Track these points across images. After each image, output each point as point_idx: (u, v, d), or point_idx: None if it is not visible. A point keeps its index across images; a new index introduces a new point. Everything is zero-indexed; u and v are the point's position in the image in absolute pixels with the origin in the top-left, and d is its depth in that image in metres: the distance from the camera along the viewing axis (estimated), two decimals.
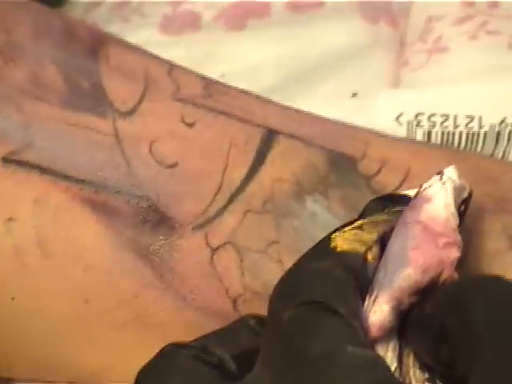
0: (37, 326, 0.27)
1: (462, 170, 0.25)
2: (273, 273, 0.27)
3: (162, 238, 0.27)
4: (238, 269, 0.28)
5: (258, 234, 0.28)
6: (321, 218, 0.28)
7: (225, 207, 0.28)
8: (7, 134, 0.27)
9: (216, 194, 0.28)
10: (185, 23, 0.51)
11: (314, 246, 0.24)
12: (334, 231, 0.24)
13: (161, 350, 0.23)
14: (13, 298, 0.27)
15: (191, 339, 0.26)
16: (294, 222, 0.28)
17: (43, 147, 0.28)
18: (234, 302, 0.27)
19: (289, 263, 0.27)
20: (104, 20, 0.52)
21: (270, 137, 0.29)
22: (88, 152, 0.28)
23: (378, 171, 0.29)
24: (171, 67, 0.31)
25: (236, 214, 0.28)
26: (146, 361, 0.27)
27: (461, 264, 0.23)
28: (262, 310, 0.26)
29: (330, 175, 0.29)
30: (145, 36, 0.51)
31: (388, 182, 0.29)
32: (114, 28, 0.50)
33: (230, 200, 0.28)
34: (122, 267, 0.27)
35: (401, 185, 0.29)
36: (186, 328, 0.27)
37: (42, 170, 0.27)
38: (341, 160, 0.29)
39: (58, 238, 0.27)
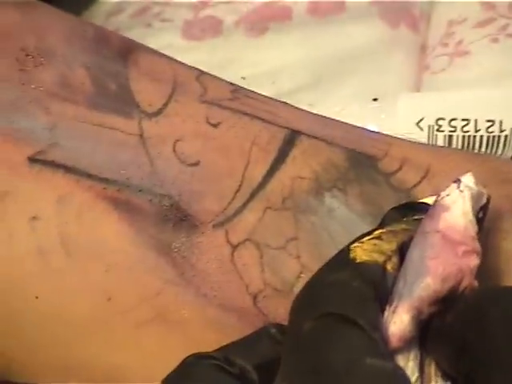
0: (59, 325, 0.28)
1: (481, 172, 0.25)
2: (292, 269, 0.28)
3: (183, 235, 0.28)
4: (258, 265, 0.28)
5: (277, 230, 0.28)
6: (338, 213, 0.28)
7: (245, 205, 0.28)
8: (34, 135, 0.28)
9: (237, 192, 0.28)
10: (206, 28, 0.52)
11: (334, 257, 0.24)
12: (353, 242, 0.24)
13: (183, 361, 0.24)
14: (37, 297, 0.27)
15: (210, 339, 0.27)
16: (312, 218, 0.28)
17: (68, 147, 0.28)
18: (255, 298, 0.28)
19: (307, 259, 0.27)
20: (126, 25, 0.53)
21: (292, 137, 0.29)
22: (112, 151, 0.28)
23: (399, 169, 0.29)
24: (200, 73, 0.31)
25: (256, 211, 0.28)
26: (167, 360, 0.27)
27: (479, 266, 0.23)
28: (282, 306, 0.27)
29: (349, 172, 0.29)
30: (166, 41, 0.51)
31: (407, 179, 0.29)
32: (135, 33, 0.51)
33: (251, 197, 0.28)
34: (143, 265, 0.27)
35: (420, 182, 0.29)
36: (206, 325, 0.28)
37: (67, 169, 0.28)
38: (361, 158, 0.29)
39: (80, 237, 0.27)
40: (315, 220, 0.28)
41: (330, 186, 0.29)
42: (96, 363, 0.29)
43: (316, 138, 0.29)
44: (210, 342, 0.27)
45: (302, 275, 0.28)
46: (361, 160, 0.29)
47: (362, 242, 0.24)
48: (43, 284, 0.27)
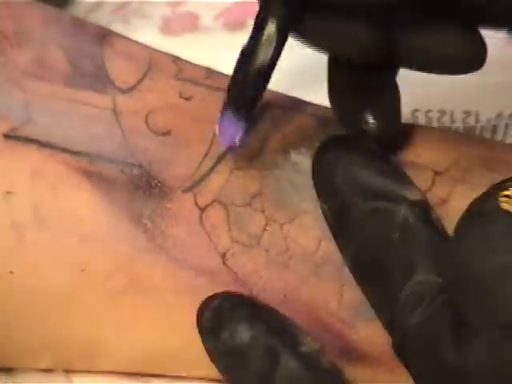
0: (34, 300, 0.28)
1: None
2: (257, 223, 0.28)
3: (153, 202, 0.28)
4: (225, 224, 0.28)
5: (242, 188, 0.29)
6: (302, 167, 0.29)
7: (212, 168, 0.29)
8: (9, 112, 0.28)
9: (205, 156, 0.29)
10: (184, 24, 0.52)
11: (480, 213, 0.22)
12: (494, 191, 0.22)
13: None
14: (11, 272, 0.27)
15: (185, 303, 0.27)
16: (276, 173, 0.29)
17: (43, 123, 0.28)
18: (223, 256, 0.28)
19: (272, 211, 0.28)
20: (105, 21, 0.53)
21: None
22: (85, 125, 0.29)
23: None
24: (176, 58, 0.32)
25: (223, 173, 0.29)
26: (142, 329, 0.28)
27: None
28: (250, 261, 0.28)
29: (318, 131, 0.29)
30: (145, 37, 0.51)
31: None
32: (114, 29, 0.51)
33: (218, 161, 0.29)
34: (116, 234, 0.28)
35: None
36: (179, 290, 0.28)
37: (41, 144, 0.28)
38: (332, 121, 0.29)
39: (54, 210, 0.28)
40: (279, 174, 0.29)
41: (297, 145, 0.29)
42: (72, 338, 0.29)
43: (284, 107, 0.30)
44: (184, 306, 0.27)
45: (267, 228, 0.28)
46: (330, 121, 0.29)
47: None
48: (18, 259, 0.28)
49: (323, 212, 0.26)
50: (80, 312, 0.28)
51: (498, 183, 0.23)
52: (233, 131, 0.27)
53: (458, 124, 0.45)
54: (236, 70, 0.27)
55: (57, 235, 0.28)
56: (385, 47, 0.26)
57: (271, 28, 0.26)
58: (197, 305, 0.26)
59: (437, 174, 0.28)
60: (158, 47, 0.34)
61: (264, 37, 0.26)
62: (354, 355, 0.28)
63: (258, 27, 0.26)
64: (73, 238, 0.28)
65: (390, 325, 0.24)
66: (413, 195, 0.25)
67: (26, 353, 0.30)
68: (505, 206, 0.22)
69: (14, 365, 0.31)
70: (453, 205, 0.27)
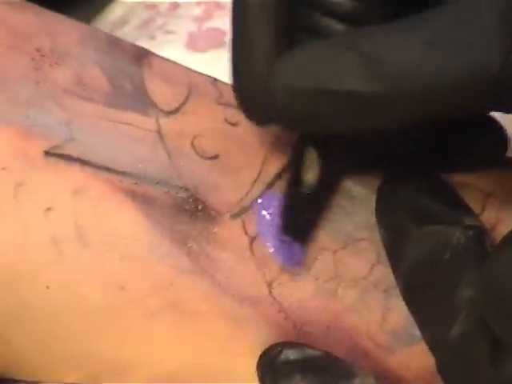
0: (70, 315, 0.28)
1: None
2: (308, 252, 0.28)
3: (199, 226, 0.28)
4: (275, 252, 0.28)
5: (301, 219, 0.29)
6: (355, 193, 0.29)
7: (261, 195, 0.29)
8: (50, 129, 0.28)
9: (254, 183, 0.29)
10: (210, 40, 0.52)
11: None
12: None
13: None
14: (48, 287, 0.27)
15: (224, 330, 0.27)
16: (329, 200, 0.29)
17: (85, 142, 0.28)
18: (269, 285, 0.28)
19: (324, 239, 0.28)
20: (130, 37, 0.53)
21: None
22: (129, 146, 0.29)
23: None
24: (214, 79, 0.32)
25: None
26: (178, 351, 0.28)
27: None
28: (297, 291, 0.28)
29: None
30: (171, 53, 0.52)
31: None
32: (140, 45, 0.51)
33: (267, 188, 0.29)
34: (157, 254, 0.28)
35: None
36: (220, 315, 0.28)
37: (83, 162, 0.28)
38: None
39: (96, 227, 0.28)
40: (331, 200, 0.29)
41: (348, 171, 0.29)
42: (103, 354, 0.29)
43: None
44: (223, 331, 0.27)
45: (319, 257, 0.28)
46: None
47: None
48: (55, 274, 0.28)
49: (381, 237, 0.27)
50: (115, 329, 0.28)
51: None
52: (292, 252, 0.28)
53: None
54: (285, 198, 0.28)
55: (97, 253, 0.28)
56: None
57: (313, 152, 0.27)
58: (236, 332, 0.26)
59: (487, 195, 0.28)
60: (183, 63, 0.34)
61: (307, 161, 0.27)
62: (390, 380, 0.28)
63: (299, 153, 0.27)
64: (113, 256, 0.28)
65: (432, 342, 0.24)
66: (469, 220, 0.25)
67: (56, 367, 0.30)
68: None
69: (41, 378, 0.31)
70: (502, 231, 0.27)
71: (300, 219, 0.28)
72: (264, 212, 0.28)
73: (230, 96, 0.31)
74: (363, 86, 0.23)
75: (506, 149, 0.29)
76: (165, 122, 0.30)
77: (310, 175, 0.28)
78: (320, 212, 0.29)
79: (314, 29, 0.26)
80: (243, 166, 0.29)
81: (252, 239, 0.28)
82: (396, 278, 0.26)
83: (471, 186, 0.29)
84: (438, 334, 0.24)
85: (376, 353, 0.28)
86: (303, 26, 0.26)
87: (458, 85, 0.21)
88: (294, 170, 0.28)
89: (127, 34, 0.54)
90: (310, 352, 0.27)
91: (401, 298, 0.26)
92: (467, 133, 0.28)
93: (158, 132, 0.29)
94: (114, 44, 0.31)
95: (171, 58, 0.51)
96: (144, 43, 0.52)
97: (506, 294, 0.21)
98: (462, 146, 0.29)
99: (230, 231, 0.28)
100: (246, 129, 0.30)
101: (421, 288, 0.25)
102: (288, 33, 0.26)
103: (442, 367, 0.24)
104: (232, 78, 0.28)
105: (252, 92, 0.27)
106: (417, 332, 0.26)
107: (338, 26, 0.25)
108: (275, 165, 0.29)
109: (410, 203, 0.26)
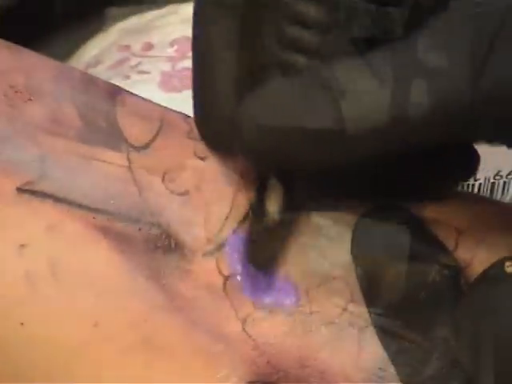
0: (45, 353, 0.28)
1: None
2: None
3: (173, 263, 0.28)
4: None
5: (266, 251, 0.29)
6: (326, 231, 0.29)
7: (234, 232, 0.29)
8: (22, 165, 0.28)
9: (226, 220, 0.29)
10: (184, 80, 0.53)
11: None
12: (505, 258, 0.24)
13: None
14: (22, 324, 0.27)
15: (198, 366, 0.27)
16: (301, 239, 0.29)
17: (58, 178, 0.28)
18: (243, 322, 0.28)
19: (297, 279, 0.28)
20: (104, 77, 0.53)
21: None
22: (101, 183, 0.29)
23: None
24: (187, 116, 0.32)
25: None
26: None
27: None
28: (271, 329, 0.28)
29: None
30: (145, 93, 0.52)
31: None
32: None
33: (239, 226, 0.29)
34: (132, 291, 0.28)
35: None
36: (193, 352, 0.28)
37: (57, 199, 0.28)
38: None
39: (69, 264, 0.27)
40: (304, 239, 0.29)
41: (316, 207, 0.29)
42: None
43: None
44: (197, 368, 0.27)
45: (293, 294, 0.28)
46: None
47: None
48: (29, 310, 0.27)
49: (357, 275, 0.27)
50: (89, 366, 0.28)
51: None
52: (263, 287, 0.28)
53: None
54: (249, 230, 0.28)
55: (71, 289, 0.27)
56: None
57: (277, 183, 0.28)
58: (210, 368, 0.26)
59: (460, 232, 0.29)
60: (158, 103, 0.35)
61: (271, 193, 0.27)
62: None
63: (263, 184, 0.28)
64: (87, 293, 0.27)
65: (407, 381, 0.25)
66: (444, 258, 0.26)
67: None
68: (509, 269, 0.23)
69: None
70: (477, 269, 0.28)
71: (264, 252, 0.28)
72: (237, 248, 0.28)
73: None
74: (333, 124, 0.23)
75: (477, 165, 0.29)
76: (135, 157, 0.30)
77: (273, 207, 0.28)
78: (285, 246, 0.29)
79: (280, 63, 0.26)
80: (214, 201, 0.29)
81: (226, 277, 0.28)
82: (371, 317, 0.26)
83: (444, 223, 0.29)
84: (412, 372, 0.24)
85: None
86: (270, 62, 0.26)
87: (429, 117, 0.22)
88: (258, 201, 0.28)
89: (101, 73, 0.54)
90: None
91: (376, 337, 0.26)
92: (437, 157, 0.28)
93: (129, 168, 0.29)
94: (88, 81, 0.32)
95: (145, 97, 0.51)
96: (118, 83, 0.53)
97: (479, 333, 0.21)
98: (432, 169, 0.29)
99: (203, 268, 0.28)
100: (216, 163, 0.30)
101: (396, 327, 0.25)
102: (253, 69, 0.26)
103: None
104: (194, 109, 0.28)
105: (216, 124, 0.27)
106: (392, 370, 0.26)
107: (304, 60, 0.26)
108: (246, 199, 0.30)
109: (385, 241, 0.26)
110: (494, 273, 0.23)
